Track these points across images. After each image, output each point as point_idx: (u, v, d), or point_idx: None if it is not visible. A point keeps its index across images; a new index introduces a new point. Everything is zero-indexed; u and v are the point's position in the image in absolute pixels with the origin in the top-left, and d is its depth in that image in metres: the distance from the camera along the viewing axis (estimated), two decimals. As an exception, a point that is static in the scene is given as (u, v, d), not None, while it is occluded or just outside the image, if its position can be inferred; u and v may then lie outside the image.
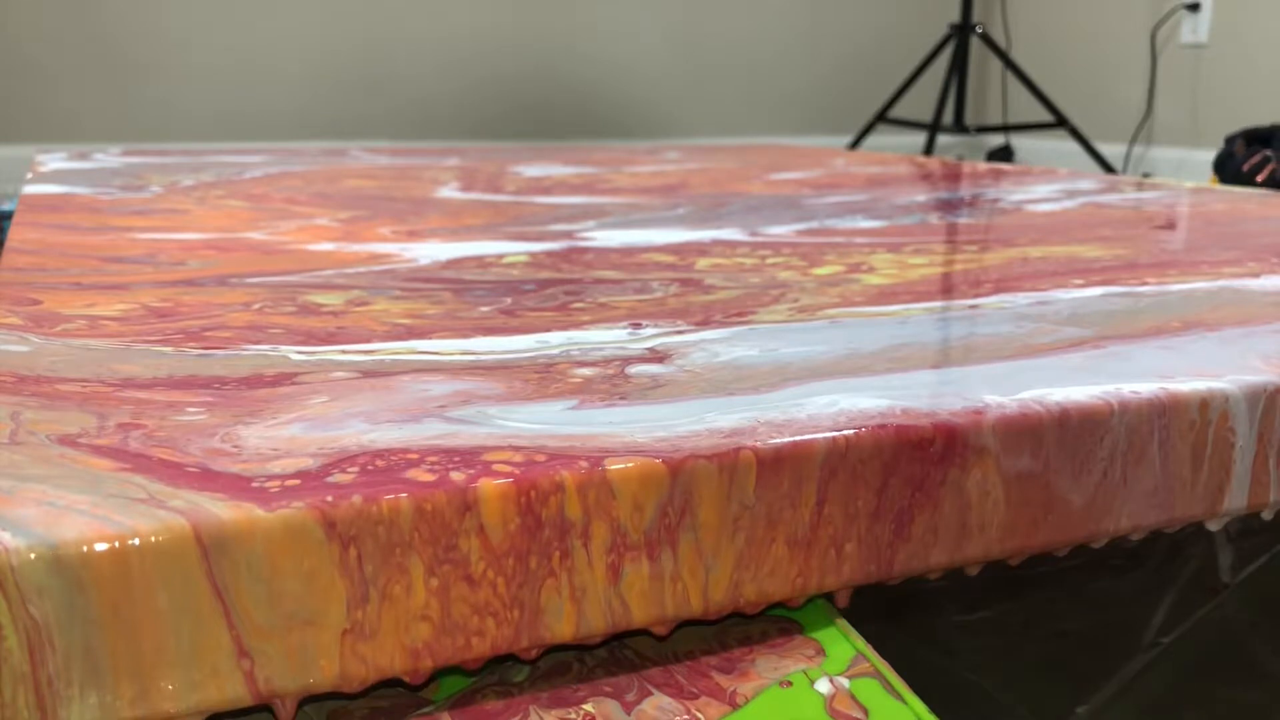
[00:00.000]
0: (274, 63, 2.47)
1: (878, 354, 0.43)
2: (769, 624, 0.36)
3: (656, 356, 0.42)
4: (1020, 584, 0.49)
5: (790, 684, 0.33)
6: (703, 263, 0.63)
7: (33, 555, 0.25)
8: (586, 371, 0.40)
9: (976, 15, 2.58)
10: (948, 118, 2.53)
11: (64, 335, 0.44)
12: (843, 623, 0.36)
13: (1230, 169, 2.00)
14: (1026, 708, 0.44)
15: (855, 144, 2.62)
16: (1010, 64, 2.49)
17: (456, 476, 0.30)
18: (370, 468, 0.30)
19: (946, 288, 0.57)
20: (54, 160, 1.19)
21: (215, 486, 0.29)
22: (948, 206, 0.91)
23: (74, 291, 0.52)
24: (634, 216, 0.82)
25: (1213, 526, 0.41)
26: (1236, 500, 0.40)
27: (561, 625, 0.31)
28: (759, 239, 0.72)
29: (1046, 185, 1.08)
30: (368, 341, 0.44)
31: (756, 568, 0.33)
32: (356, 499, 0.28)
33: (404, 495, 0.28)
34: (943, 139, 2.96)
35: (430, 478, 0.29)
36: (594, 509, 0.30)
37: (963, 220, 0.83)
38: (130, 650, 0.26)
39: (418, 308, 0.51)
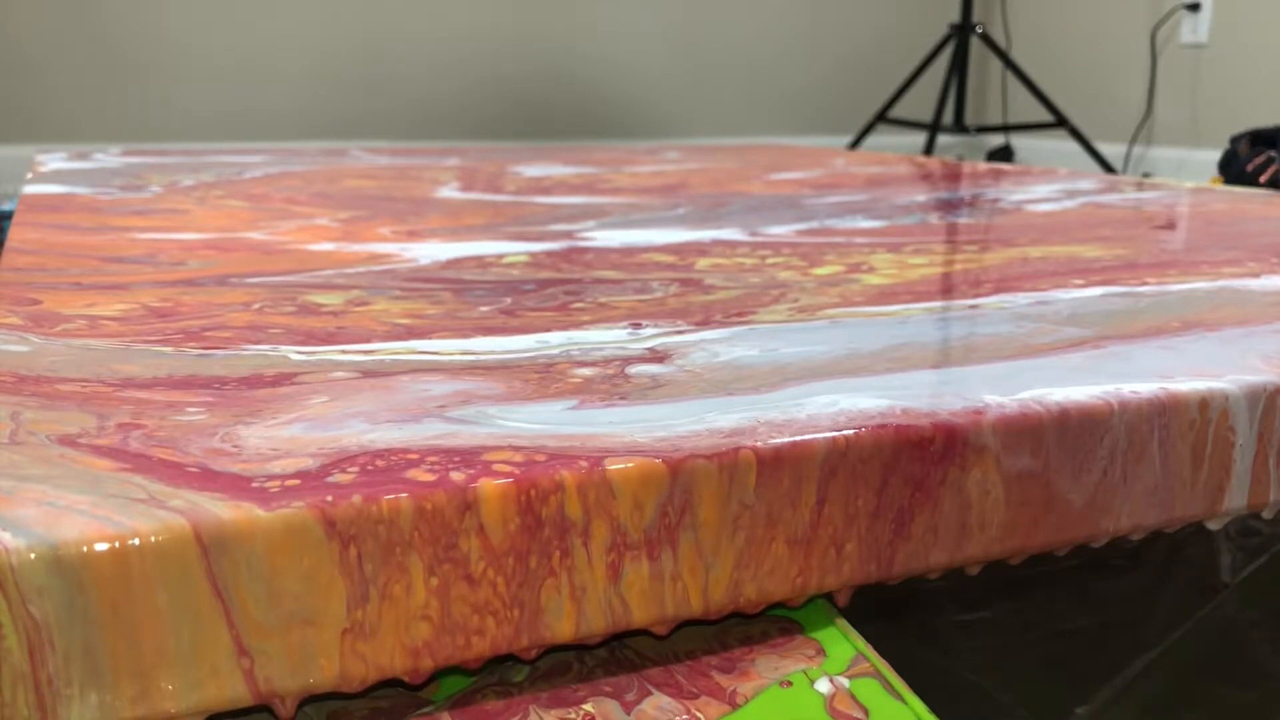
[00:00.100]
0: (274, 63, 2.47)
1: (878, 354, 0.43)
2: (769, 624, 0.36)
3: (656, 356, 0.42)
4: (1020, 584, 0.49)
5: (790, 684, 0.33)
6: (703, 263, 0.63)
7: (33, 555, 0.25)
8: (586, 371, 0.40)
9: (976, 15, 2.58)
10: (948, 118, 2.53)
11: (64, 335, 0.44)
12: (843, 622, 0.36)
13: (1234, 169, 2.00)
14: (1026, 708, 0.44)
15: (855, 144, 2.62)
16: (1010, 64, 2.49)
17: (456, 476, 0.30)
18: (370, 468, 0.30)
19: (946, 288, 0.57)
20: (54, 160, 1.19)
21: (215, 486, 0.29)
22: (948, 206, 0.91)
23: (74, 291, 0.52)
24: (634, 216, 0.82)
25: (1213, 526, 0.41)
26: (1236, 500, 0.40)
27: (561, 625, 0.31)
28: (759, 239, 0.72)
29: (1046, 185, 1.08)
30: (368, 341, 0.44)
31: (756, 567, 0.33)
32: (356, 499, 0.28)
33: (404, 495, 0.28)
34: (943, 139, 2.97)
35: (430, 477, 0.29)
36: (594, 508, 0.30)
37: (963, 220, 0.83)
38: (130, 650, 0.26)
39: (418, 308, 0.51)
